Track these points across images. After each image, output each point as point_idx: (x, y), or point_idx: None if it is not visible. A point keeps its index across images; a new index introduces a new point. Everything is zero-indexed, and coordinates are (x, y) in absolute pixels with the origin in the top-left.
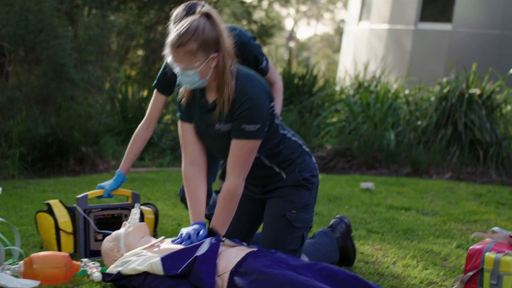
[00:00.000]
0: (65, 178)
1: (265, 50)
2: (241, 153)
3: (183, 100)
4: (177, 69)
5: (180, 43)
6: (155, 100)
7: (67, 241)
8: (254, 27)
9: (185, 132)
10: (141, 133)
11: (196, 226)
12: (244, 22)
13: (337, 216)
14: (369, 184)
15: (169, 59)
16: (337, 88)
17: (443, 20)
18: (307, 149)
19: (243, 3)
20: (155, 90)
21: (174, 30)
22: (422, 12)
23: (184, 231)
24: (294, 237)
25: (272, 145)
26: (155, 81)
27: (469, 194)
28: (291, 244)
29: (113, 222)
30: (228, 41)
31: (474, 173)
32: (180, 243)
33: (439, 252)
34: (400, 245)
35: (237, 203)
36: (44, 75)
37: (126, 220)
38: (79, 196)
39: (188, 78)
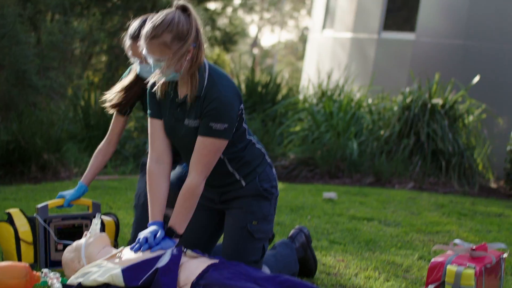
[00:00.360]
0: (26, 185)
1: (228, 57)
2: (205, 151)
3: (157, 94)
4: (150, 61)
5: (154, 35)
6: (117, 118)
7: (28, 251)
8: (218, 34)
9: (154, 128)
10: (104, 146)
11: (152, 228)
12: (208, 28)
13: (297, 226)
14: (331, 194)
15: (143, 51)
16: (301, 96)
17: (407, 29)
18: (269, 160)
19: (207, 10)
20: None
21: (149, 22)
22: (386, 21)
23: (141, 235)
24: (255, 248)
25: (237, 149)
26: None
27: (431, 205)
28: (252, 255)
29: (74, 232)
30: (203, 35)
31: (436, 183)
32: (139, 248)
33: (401, 264)
34: (362, 256)
35: (196, 201)
36: (6, 81)
37: (87, 230)
38: (39, 205)
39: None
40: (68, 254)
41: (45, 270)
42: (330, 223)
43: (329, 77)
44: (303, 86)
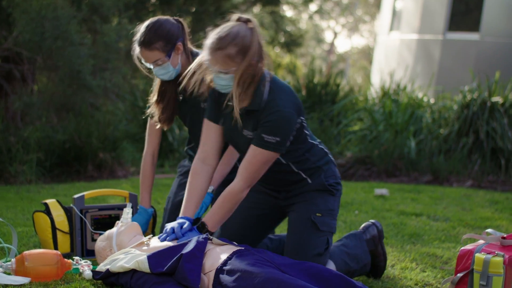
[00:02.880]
0: (80, 183)
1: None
2: (254, 160)
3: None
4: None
5: (219, 47)
6: (151, 128)
7: (64, 241)
8: (282, 37)
9: (207, 130)
10: (148, 164)
11: (180, 220)
12: (272, 31)
13: (370, 220)
14: (383, 191)
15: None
16: (362, 97)
17: (471, 30)
18: (332, 158)
19: (272, 13)
20: (149, 119)
21: (214, 33)
22: (451, 22)
23: (168, 226)
24: (319, 240)
25: (299, 153)
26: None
27: (486, 201)
28: (315, 248)
29: (110, 222)
30: (265, 49)
31: (496, 181)
32: (165, 238)
33: (441, 256)
34: (403, 248)
35: (235, 206)
36: (61, 82)
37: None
38: (75, 196)
39: (222, 81)
40: (100, 242)
41: (76, 258)
42: (376, 218)
43: (391, 77)
44: (367, 87)
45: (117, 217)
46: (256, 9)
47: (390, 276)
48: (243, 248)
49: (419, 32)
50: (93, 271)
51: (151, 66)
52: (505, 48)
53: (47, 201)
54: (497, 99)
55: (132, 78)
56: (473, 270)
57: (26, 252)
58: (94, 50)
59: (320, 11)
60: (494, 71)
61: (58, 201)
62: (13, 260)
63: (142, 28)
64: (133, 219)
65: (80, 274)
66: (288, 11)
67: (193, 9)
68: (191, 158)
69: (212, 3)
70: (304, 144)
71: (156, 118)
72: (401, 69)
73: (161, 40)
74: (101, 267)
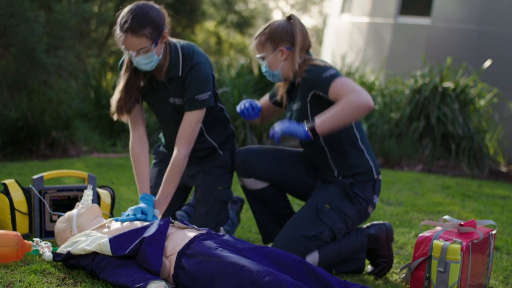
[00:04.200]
0: (33, 162)
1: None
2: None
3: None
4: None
5: (266, 37)
6: (133, 116)
7: (23, 221)
8: (234, 17)
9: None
10: (138, 148)
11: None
12: (223, 11)
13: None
14: None
15: None
16: None
17: (423, 14)
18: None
19: None
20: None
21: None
22: (402, 6)
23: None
24: (313, 226)
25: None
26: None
27: (437, 186)
28: (305, 230)
29: (69, 203)
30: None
31: (446, 166)
32: (124, 221)
33: (396, 241)
34: None
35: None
36: (14, 60)
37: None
38: (34, 177)
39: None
40: (60, 224)
41: (36, 239)
42: None
43: (343, 60)
44: None
45: (76, 199)
46: None
47: None
48: (204, 232)
49: (370, 15)
50: (53, 252)
51: (133, 54)
52: (456, 33)
53: (6, 181)
54: (449, 84)
55: (86, 57)
56: (431, 256)
57: None
58: (48, 28)
59: None
60: (445, 56)
61: (17, 181)
62: None
63: (125, 12)
64: (143, 209)
65: (40, 255)
66: None
67: None
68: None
69: None
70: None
71: (113, 107)
72: (352, 52)
73: (149, 26)
74: (62, 249)
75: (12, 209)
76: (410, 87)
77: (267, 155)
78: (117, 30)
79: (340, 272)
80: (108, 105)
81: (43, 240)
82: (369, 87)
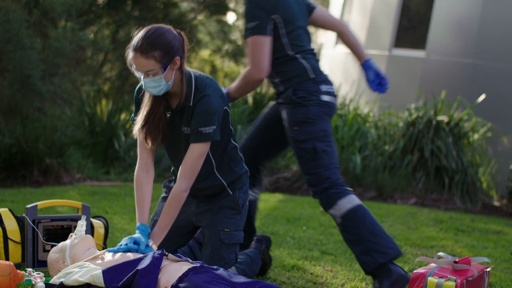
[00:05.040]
0: (26, 189)
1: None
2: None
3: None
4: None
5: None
6: (142, 143)
7: (15, 251)
8: (229, 46)
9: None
10: (143, 177)
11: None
12: (219, 40)
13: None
14: None
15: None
16: None
17: (417, 47)
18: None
19: (219, 21)
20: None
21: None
22: (397, 38)
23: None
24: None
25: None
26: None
27: (430, 220)
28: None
29: (62, 233)
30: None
31: (439, 199)
32: (116, 251)
33: None
34: (352, 267)
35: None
36: (10, 86)
37: (73, 232)
38: (28, 206)
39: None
40: (53, 254)
41: (29, 269)
42: (324, 234)
43: (337, 91)
44: None
45: (70, 228)
46: (203, 17)
47: None
48: (198, 265)
49: (365, 47)
50: (46, 283)
51: (141, 76)
52: (451, 66)
53: (0, 210)
54: (443, 118)
55: (81, 84)
56: None
57: None
58: (44, 55)
59: None
60: (440, 89)
61: (10, 210)
62: None
63: (141, 32)
64: (136, 239)
65: (33, 286)
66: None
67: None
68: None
69: (160, 10)
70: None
71: (141, 137)
72: (347, 84)
73: (160, 49)
74: (55, 280)
75: (5, 238)
76: (404, 120)
77: None
78: (130, 49)
79: None
80: (102, 133)
81: (35, 270)
82: (363, 119)
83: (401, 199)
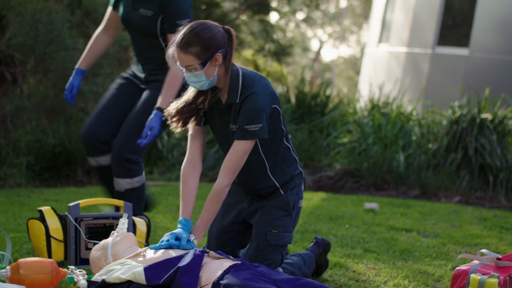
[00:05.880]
0: (70, 188)
1: (287, 70)
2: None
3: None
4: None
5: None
6: (191, 138)
7: (58, 249)
8: (271, 46)
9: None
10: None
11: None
12: (261, 40)
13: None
14: (373, 205)
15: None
16: (351, 109)
17: (461, 45)
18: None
19: (262, 21)
20: None
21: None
22: (440, 36)
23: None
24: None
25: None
26: None
27: (474, 218)
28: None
29: (104, 231)
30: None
31: (483, 197)
32: (157, 248)
33: (433, 274)
34: (394, 265)
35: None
36: (53, 86)
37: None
38: (71, 204)
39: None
40: (95, 252)
41: (71, 267)
42: (367, 233)
43: (380, 90)
44: (357, 98)
45: (112, 227)
46: (246, 16)
47: None
48: (240, 262)
49: (408, 45)
50: (88, 281)
51: (184, 70)
52: (494, 64)
53: (42, 208)
54: (487, 115)
55: None
56: None
57: (21, 260)
58: None
59: (307, 20)
60: (483, 87)
61: (53, 208)
62: (7, 267)
63: (184, 28)
64: (177, 234)
65: (75, 283)
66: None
67: None
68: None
69: (203, 11)
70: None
71: (169, 115)
72: (390, 82)
73: (199, 45)
74: (97, 277)
75: (48, 236)
76: (448, 117)
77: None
78: (173, 44)
79: None
80: None
81: (78, 268)
82: (407, 117)
83: (445, 198)
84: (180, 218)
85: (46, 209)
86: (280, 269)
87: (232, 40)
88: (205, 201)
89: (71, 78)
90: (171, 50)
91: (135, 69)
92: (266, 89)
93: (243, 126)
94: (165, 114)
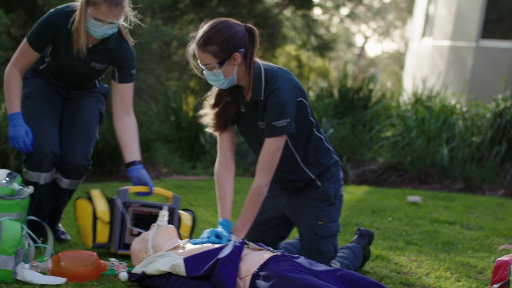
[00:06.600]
0: (113, 183)
1: (331, 65)
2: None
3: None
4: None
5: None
6: (221, 137)
7: (103, 230)
8: (314, 41)
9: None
10: (223, 172)
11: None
12: (304, 35)
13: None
14: (416, 198)
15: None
16: (394, 103)
17: (504, 38)
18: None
19: (305, 16)
20: None
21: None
22: (484, 29)
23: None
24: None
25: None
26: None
27: None
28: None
29: (150, 220)
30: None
31: None
32: (198, 244)
33: (475, 265)
34: (437, 257)
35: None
36: None
37: (156, 222)
38: (120, 188)
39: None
40: (135, 244)
41: (112, 259)
42: (410, 225)
43: (424, 83)
44: (400, 92)
45: (157, 217)
46: (288, 12)
47: (425, 284)
48: (279, 253)
49: (451, 38)
50: (128, 272)
51: (203, 68)
52: None
53: (91, 190)
54: None
55: (165, 80)
56: (509, 281)
57: (63, 252)
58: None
59: (351, 15)
60: None
61: (102, 191)
62: (49, 260)
63: (204, 26)
64: (218, 233)
65: (116, 275)
66: (320, 15)
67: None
68: None
69: (245, 6)
70: None
71: (208, 122)
72: (433, 76)
73: (217, 45)
74: (137, 269)
75: (94, 217)
76: (491, 110)
77: None
78: (193, 42)
79: None
80: (188, 128)
81: (118, 260)
82: (450, 111)
83: (490, 191)
84: (220, 219)
85: (95, 191)
86: (338, 264)
87: (254, 39)
88: (245, 202)
89: (18, 125)
90: (191, 48)
91: (53, 81)
92: (290, 83)
93: (271, 123)
94: (203, 122)
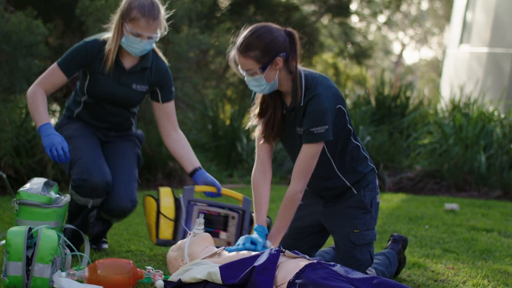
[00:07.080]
0: (150, 191)
1: (368, 73)
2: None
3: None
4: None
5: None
6: (258, 143)
7: (167, 227)
8: (351, 48)
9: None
10: (261, 179)
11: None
12: (341, 42)
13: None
14: (453, 205)
15: None
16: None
17: None
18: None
19: (341, 24)
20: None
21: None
22: None
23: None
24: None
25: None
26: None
27: None
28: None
29: (217, 220)
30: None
31: None
32: (234, 251)
33: None
34: (474, 265)
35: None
36: None
37: (233, 221)
38: (186, 186)
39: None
40: (172, 252)
41: (148, 267)
42: (447, 233)
43: (461, 90)
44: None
45: (227, 217)
46: (325, 19)
47: None
48: (315, 261)
49: (489, 45)
50: (165, 280)
51: (244, 74)
52: None
53: (161, 187)
54: None
55: (202, 88)
56: None
57: (99, 260)
58: (166, 59)
59: (388, 23)
60: None
61: (172, 189)
62: (86, 268)
63: (245, 32)
64: (253, 239)
65: (152, 283)
66: (357, 23)
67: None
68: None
69: (282, 13)
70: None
71: (259, 133)
72: (471, 83)
73: (259, 50)
74: (173, 277)
75: (158, 213)
76: None
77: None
78: (233, 48)
79: None
80: (225, 136)
81: (154, 269)
82: (488, 118)
83: None
84: (255, 225)
85: (164, 188)
86: (373, 270)
87: (294, 43)
88: (279, 208)
89: (52, 134)
90: (232, 54)
91: (91, 121)
92: (330, 89)
93: (309, 129)
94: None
